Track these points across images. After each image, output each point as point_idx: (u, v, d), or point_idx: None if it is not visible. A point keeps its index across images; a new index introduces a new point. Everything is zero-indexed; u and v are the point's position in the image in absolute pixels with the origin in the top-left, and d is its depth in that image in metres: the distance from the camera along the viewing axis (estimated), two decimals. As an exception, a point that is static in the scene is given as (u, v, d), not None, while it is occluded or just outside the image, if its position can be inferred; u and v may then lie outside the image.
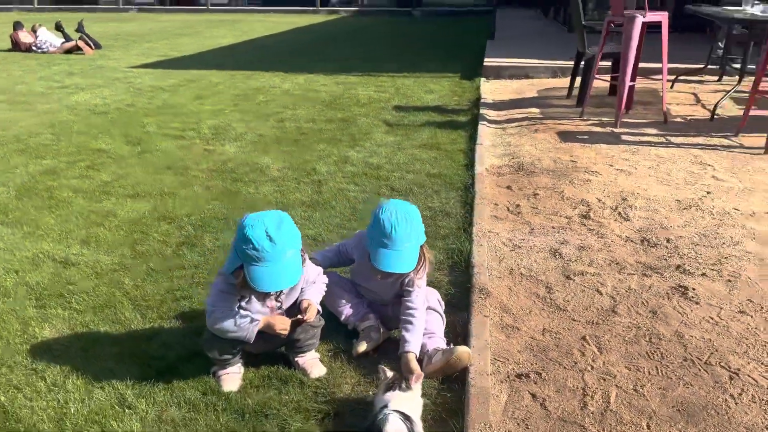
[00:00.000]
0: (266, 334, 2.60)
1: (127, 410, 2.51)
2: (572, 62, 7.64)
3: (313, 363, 2.80)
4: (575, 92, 7.52)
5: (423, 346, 2.74)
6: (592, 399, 2.40)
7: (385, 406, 2.26)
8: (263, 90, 9.09)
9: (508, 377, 2.60)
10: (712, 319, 2.86)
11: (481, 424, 2.29)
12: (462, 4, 24.18)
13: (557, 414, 2.35)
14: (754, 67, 6.48)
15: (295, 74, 10.35)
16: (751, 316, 2.86)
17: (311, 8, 23.65)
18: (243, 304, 2.56)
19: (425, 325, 2.84)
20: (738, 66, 8.16)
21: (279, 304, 2.65)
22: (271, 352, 2.86)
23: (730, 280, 3.17)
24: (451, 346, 2.69)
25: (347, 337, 2.99)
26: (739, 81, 6.95)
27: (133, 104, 8.17)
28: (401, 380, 2.37)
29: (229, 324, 2.49)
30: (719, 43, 8.50)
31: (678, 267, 3.34)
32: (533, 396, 2.46)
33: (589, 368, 2.60)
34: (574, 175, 4.93)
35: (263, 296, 2.58)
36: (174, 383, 2.68)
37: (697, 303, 2.99)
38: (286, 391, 2.63)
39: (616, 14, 6.47)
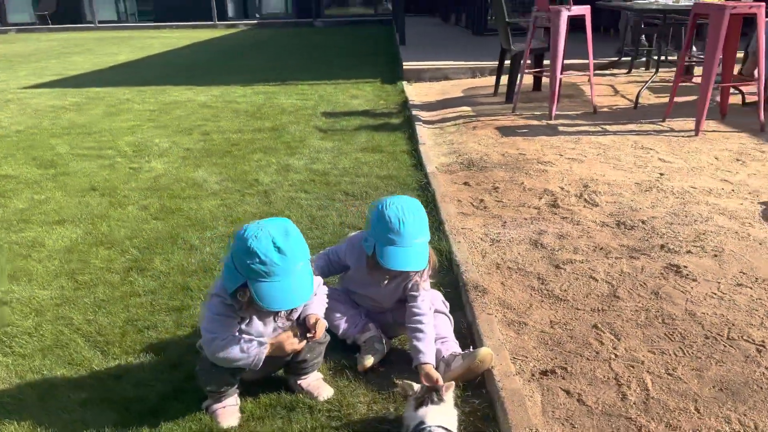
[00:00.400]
0: (271, 357, 2.30)
1: (114, 464, 2.12)
2: (489, 63, 7.73)
3: (318, 384, 2.52)
4: (502, 90, 7.59)
5: (438, 353, 2.53)
6: (629, 389, 2.29)
7: (422, 423, 2.04)
8: (179, 104, 8.57)
9: (534, 375, 2.45)
10: (715, 294, 2.85)
11: (525, 429, 2.11)
12: (362, 13, 24.30)
13: (599, 408, 2.21)
14: (674, 58, 6.80)
15: (208, 87, 9.87)
16: (751, 288, 2.88)
17: (208, 22, 22.91)
18: (243, 326, 2.25)
19: (436, 330, 2.64)
20: (645, 58, 8.59)
21: (289, 323, 2.36)
22: (265, 378, 2.56)
23: (716, 255, 3.19)
24: (470, 350, 2.50)
25: (346, 352, 2.73)
26: (657, 71, 7.26)
27: (35, 126, 7.43)
28: (432, 393, 2.16)
29: (235, 352, 2.18)
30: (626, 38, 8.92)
31: (662, 247, 3.34)
32: (567, 392, 2.32)
33: (612, 357, 2.49)
34: (528, 166, 4.90)
35: (268, 316, 2.28)
36: (162, 426, 2.32)
37: (694, 280, 2.98)
38: (296, 419, 2.34)
39: (541, 10, 6.58)
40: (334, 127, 6.86)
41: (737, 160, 4.72)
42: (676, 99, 6.15)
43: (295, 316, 2.36)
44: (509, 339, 2.69)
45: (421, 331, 2.52)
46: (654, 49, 7.62)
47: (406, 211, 2.44)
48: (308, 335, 2.31)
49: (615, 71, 8.90)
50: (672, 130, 5.72)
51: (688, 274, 3.03)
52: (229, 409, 2.38)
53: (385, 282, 2.64)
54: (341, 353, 2.71)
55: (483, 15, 14.05)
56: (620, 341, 2.58)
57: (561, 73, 6.49)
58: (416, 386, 2.21)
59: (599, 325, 2.71)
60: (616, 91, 7.73)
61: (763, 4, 5.24)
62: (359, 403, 2.42)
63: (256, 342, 2.21)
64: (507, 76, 7.38)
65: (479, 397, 2.38)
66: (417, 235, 2.45)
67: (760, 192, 4.01)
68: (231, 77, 10.79)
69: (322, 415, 2.36)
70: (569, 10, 6.16)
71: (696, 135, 5.49)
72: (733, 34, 5.58)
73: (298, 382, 2.51)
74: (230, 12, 23.96)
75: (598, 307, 2.85)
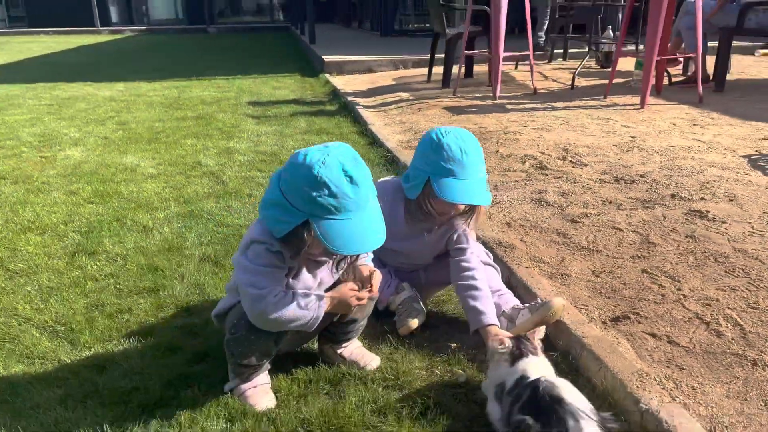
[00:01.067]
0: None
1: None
2: (411, 56, 7.57)
3: (361, 353, 2.11)
4: (436, 77, 7.43)
5: (497, 307, 2.20)
6: (719, 325, 2.08)
7: (525, 377, 1.69)
8: (80, 98, 7.68)
9: (606, 323, 2.17)
10: (753, 232, 2.73)
11: (632, 375, 1.82)
12: (257, 21, 23.64)
13: (697, 348, 1.98)
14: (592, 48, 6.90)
15: (109, 83, 8.98)
16: (782, 224, 2.79)
17: (90, 28, 21.31)
18: (289, 280, 1.80)
19: (488, 283, 2.31)
20: (562, 48, 8.79)
21: (337, 274, 1.92)
22: (289, 353, 2.11)
23: (731, 200, 3.10)
24: (539, 300, 2.18)
25: (380, 318, 2.33)
26: (587, 56, 7.39)
27: None
28: (524, 343, 1.81)
29: (292, 309, 1.71)
30: (540, 33, 9.08)
31: (673, 196, 3.21)
32: (653, 336, 2.07)
33: (682, 297, 2.27)
34: (496, 137, 4.70)
35: (319, 266, 1.85)
36: (180, 416, 1.81)
37: (724, 222, 2.85)
38: (347, 392, 1.91)
39: (478, -10, 6.48)
40: (266, 114, 6.38)
41: (694, 125, 4.77)
42: (604, 82, 6.26)
43: (345, 264, 1.93)
44: (559, 291, 2.40)
45: (476, 288, 2.16)
46: (585, 35, 7.74)
47: (468, 141, 2.09)
48: (368, 287, 1.88)
49: (536, 61, 9.02)
50: (617, 105, 5.76)
51: (714, 217, 2.90)
52: (261, 389, 1.91)
53: (426, 234, 2.27)
54: (374, 319, 2.30)
55: (391, 17, 14.00)
56: (681, 282, 2.37)
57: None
58: (507, 341, 1.86)
59: (649, 270, 2.49)
60: (545, 77, 7.80)
61: (700, -22, 5.41)
62: (416, 369, 2.04)
63: (314, 296, 1.76)
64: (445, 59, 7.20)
65: (554, 351, 2.07)
66: (480, 169, 2.11)
67: (734, 148, 4.03)
68: (132, 75, 9.93)
69: (378, 385, 1.95)
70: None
71: (642, 107, 5.55)
72: (669, 11, 5.72)
73: (339, 351, 2.08)
74: (114, 17, 22.44)
75: (636, 254, 2.64)
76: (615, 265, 2.57)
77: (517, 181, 3.66)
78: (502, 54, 6.24)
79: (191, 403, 1.88)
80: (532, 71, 6.68)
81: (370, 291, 1.88)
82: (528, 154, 4.16)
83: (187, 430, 1.77)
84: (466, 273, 2.20)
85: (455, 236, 2.26)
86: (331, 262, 1.88)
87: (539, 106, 5.90)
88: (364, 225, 1.67)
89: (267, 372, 1.97)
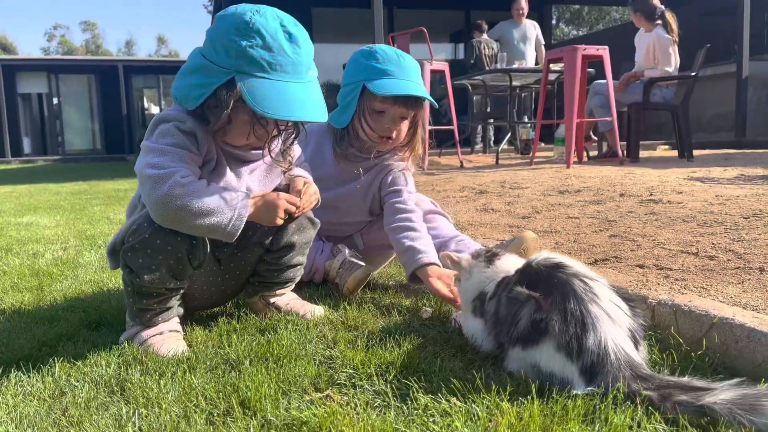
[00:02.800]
0: (242, 237, 1.47)
1: None
2: None
3: (300, 303, 1.70)
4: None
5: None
6: (708, 254, 1.84)
7: (508, 278, 1.36)
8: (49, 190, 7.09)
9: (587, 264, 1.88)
10: (711, 203, 2.59)
11: (630, 283, 1.52)
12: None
13: (693, 268, 1.71)
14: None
15: (12, 185, 8.43)
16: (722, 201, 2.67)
17: (1, 158, 20.56)
18: (205, 175, 1.42)
19: (441, 231, 2.00)
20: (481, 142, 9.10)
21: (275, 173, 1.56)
22: (214, 311, 1.67)
23: (680, 193, 2.99)
24: (506, 240, 1.89)
25: (317, 288, 1.95)
26: (508, 134, 7.62)
27: None
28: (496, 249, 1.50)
29: (207, 196, 1.31)
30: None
31: (622, 195, 3.07)
32: (642, 266, 1.80)
33: (659, 244, 2.05)
34: (431, 181, 4.54)
35: (243, 163, 1.49)
36: (51, 368, 1.33)
37: (680, 203, 2.70)
38: (284, 334, 1.48)
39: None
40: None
41: (628, 174, 4.82)
42: (527, 160, 6.41)
43: (292, 155, 1.57)
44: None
45: (413, 229, 1.86)
46: (505, 119, 8.02)
47: (400, 52, 1.88)
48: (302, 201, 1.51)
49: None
50: (546, 168, 5.81)
51: (669, 201, 2.76)
52: (170, 336, 1.46)
53: (360, 176, 1.97)
54: (313, 290, 1.91)
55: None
56: (655, 237, 2.15)
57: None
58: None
59: (618, 235, 2.26)
60: (470, 161, 7.93)
61: (607, 47, 5.77)
62: (371, 314, 1.64)
63: (235, 192, 1.39)
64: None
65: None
66: (418, 76, 1.87)
67: (667, 177, 4.03)
68: (41, 180, 9.41)
69: (324, 327, 1.53)
70: (431, 63, 6.27)
71: (568, 168, 5.61)
72: (582, 79, 6.02)
73: (272, 301, 1.66)
74: (27, 148, 21.84)
75: (599, 229, 2.42)
76: (579, 237, 2.33)
77: (458, 202, 3.45)
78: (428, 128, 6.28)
79: (72, 356, 1.39)
80: (458, 148, 6.75)
81: (302, 205, 1.52)
82: (465, 186, 3.99)
83: (63, 380, 1.27)
84: (401, 215, 1.89)
85: (390, 178, 1.98)
86: (262, 164, 1.54)
87: (468, 172, 5.87)
88: (301, 93, 1.36)
89: (178, 320, 1.52)
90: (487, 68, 7.59)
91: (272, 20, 1.34)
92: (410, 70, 1.84)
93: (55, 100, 21.70)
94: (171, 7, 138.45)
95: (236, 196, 1.36)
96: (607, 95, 5.95)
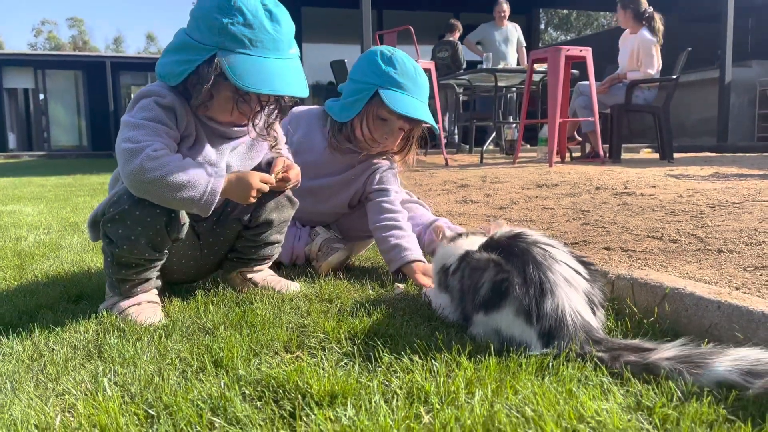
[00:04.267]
0: (221, 213, 1.53)
1: None
2: None
3: (277, 279, 1.75)
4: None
5: (431, 243, 1.94)
6: (671, 237, 1.91)
7: (469, 252, 1.41)
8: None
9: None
10: (681, 196, 2.67)
11: (593, 259, 1.58)
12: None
13: (656, 250, 1.78)
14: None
15: (49, 177, 8.39)
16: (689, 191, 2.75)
17: (-17, 153, 20.36)
18: (184, 149, 1.47)
19: (418, 219, 2.06)
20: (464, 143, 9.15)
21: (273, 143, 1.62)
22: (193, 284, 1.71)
23: (654, 187, 3.07)
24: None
25: (295, 267, 1.99)
26: (493, 133, 7.70)
27: None
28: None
29: (180, 169, 1.34)
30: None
31: (598, 188, 3.15)
32: (607, 249, 1.86)
33: (627, 230, 2.11)
34: (413, 176, 4.60)
35: (223, 140, 1.53)
36: (31, 335, 1.37)
37: (652, 195, 2.78)
38: (259, 306, 1.53)
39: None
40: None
41: (607, 171, 4.90)
42: (505, 160, 6.49)
43: (275, 129, 1.61)
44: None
45: (399, 228, 1.92)
46: (489, 118, 8.11)
47: (418, 66, 1.92)
48: (277, 178, 1.55)
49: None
50: (528, 166, 5.89)
51: (642, 194, 2.84)
52: (148, 306, 1.50)
53: (346, 170, 2.02)
54: (290, 269, 1.96)
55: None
56: (624, 225, 2.22)
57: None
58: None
59: (589, 223, 2.33)
60: (455, 160, 8.00)
61: (590, 48, 5.87)
62: (345, 289, 1.69)
63: (209, 167, 1.43)
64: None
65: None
66: (427, 94, 1.93)
67: (644, 174, 4.12)
68: (25, 173, 9.37)
69: (300, 301, 1.58)
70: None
71: (550, 167, 5.69)
72: (565, 80, 6.11)
73: (249, 276, 1.71)
74: (12, 144, 21.67)
75: (572, 218, 2.49)
76: (552, 225, 2.39)
77: (439, 194, 3.51)
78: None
79: (51, 323, 1.43)
80: (443, 147, 6.81)
81: (284, 183, 1.57)
82: (447, 180, 4.06)
83: (41, 344, 1.31)
84: (389, 215, 1.94)
85: (378, 176, 2.02)
86: (244, 142, 1.58)
87: (451, 170, 5.93)
88: (282, 69, 1.41)
89: (156, 292, 1.56)
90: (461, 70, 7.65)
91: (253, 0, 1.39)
92: (423, 89, 1.90)
93: (41, 96, 21.56)
94: (160, 6, 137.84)
95: (210, 171, 1.40)
96: (590, 96, 6.04)
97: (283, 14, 1.43)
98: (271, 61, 1.39)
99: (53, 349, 1.28)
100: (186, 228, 1.51)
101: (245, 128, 1.54)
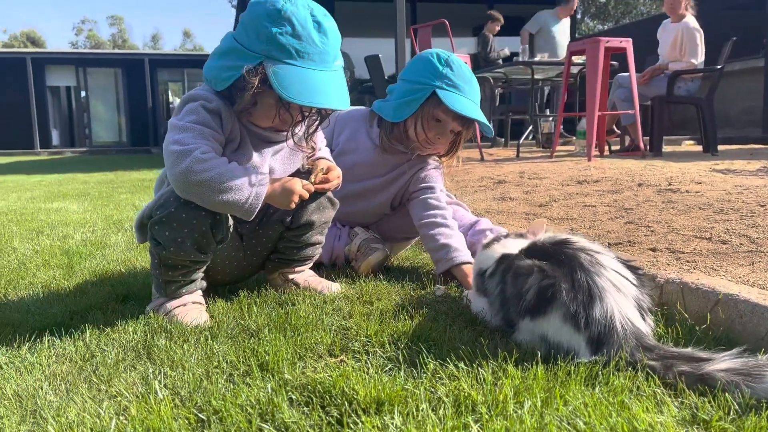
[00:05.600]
0: (264, 215, 1.55)
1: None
2: None
3: (318, 280, 1.76)
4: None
5: (474, 246, 1.93)
6: (721, 238, 1.87)
7: (506, 255, 1.40)
8: (8, 181, 7.29)
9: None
10: (730, 194, 2.59)
11: (640, 261, 1.55)
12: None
13: (705, 251, 1.73)
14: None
15: (42, 175, 8.64)
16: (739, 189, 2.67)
17: (28, 150, 21.00)
18: (229, 153, 1.49)
19: (459, 219, 2.05)
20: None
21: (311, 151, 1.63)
22: (236, 285, 1.73)
23: (699, 183, 2.99)
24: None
25: (335, 267, 2.00)
26: (529, 127, 7.61)
27: None
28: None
29: (226, 172, 1.36)
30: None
31: (640, 185, 3.08)
32: (654, 249, 1.82)
33: (674, 230, 2.06)
34: (453, 174, 4.57)
35: (266, 144, 1.55)
36: (83, 334, 1.40)
37: (698, 192, 2.71)
38: (302, 307, 1.54)
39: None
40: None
41: (649, 166, 4.80)
42: (547, 154, 6.39)
43: (305, 147, 1.62)
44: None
45: (446, 225, 1.92)
46: (526, 112, 8.01)
47: (470, 70, 1.92)
48: (311, 179, 1.56)
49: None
50: (566, 160, 5.80)
51: (687, 191, 2.76)
52: (193, 307, 1.53)
53: (391, 171, 2.02)
54: (330, 269, 1.97)
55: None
56: (670, 224, 2.17)
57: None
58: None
59: (633, 222, 2.28)
60: (490, 154, 7.93)
61: (630, 39, 5.73)
62: (385, 290, 1.69)
63: (254, 171, 1.45)
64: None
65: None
66: (479, 97, 1.92)
67: (687, 169, 4.01)
68: (69, 169, 9.63)
69: (341, 302, 1.59)
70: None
71: (589, 161, 5.59)
72: (604, 72, 5.99)
73: (291, 277, 1.72)
74: (55, 140, 22.28)
75: (615, 216, 2.44)
76: (594, 224, 2.35)
77: (476, 191, 3.48)
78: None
79: (101, 324, 1.47)
80: (479, 142, 6.76)
81: (326, 181, 1.58)
82: (484, 177, 4.02)
83: (93, 344, 1.35)
84: (434, 211, 1.94)
85: (423, 174, 2.02)
86: (286, 146, 1.59)
87: (488, 164, 5.88)
88: (325, 81, 1.41)
89: (201, 293, 1.59)
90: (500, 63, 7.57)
91: (303, 9, 1.40)
92: (477, 91, 1.91)
93: (82, 93, 22.08)
94: (197, 2, 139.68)
95: (255, 175, 1.42)
96: (630, 88, 5.91)
97: (331, 26, 1.44)
98: (316, 73, 1.39)
99: (104, 350, 1.31)
100: (230, 230, 1.53)
101: (287, 133, 1.56)
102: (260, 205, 1.41)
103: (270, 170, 1.57)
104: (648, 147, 6.28)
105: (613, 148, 7.03)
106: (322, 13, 1.43)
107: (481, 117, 1.86)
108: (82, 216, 3.57)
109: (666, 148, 6.76)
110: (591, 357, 1.12)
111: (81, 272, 2.09)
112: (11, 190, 5.88)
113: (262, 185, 1.41)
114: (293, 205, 1.49)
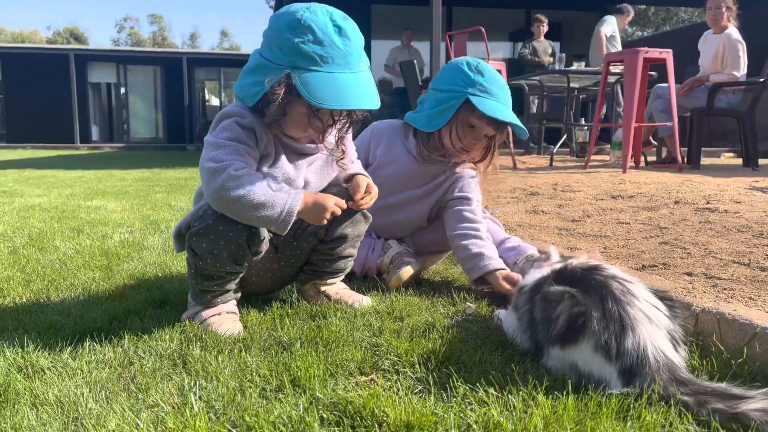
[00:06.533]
0: (298, 228, 1.58)
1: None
2: None
3: (349, 293, 1.78)
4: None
5: (507, 260, 1.94)
6: (761, 264, 1.83)
7: (545, 277, 1.40)
8: (49, 176, 7.49)
9: (633, 270, 1.89)
10: (765, 212, 2.53)
11: (675, 289, 1.53)
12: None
13: (744, 278, 1.71)
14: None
15: (80, 170, 8.85)
16: None
17: (69, 144, 21.53)
18: (265, 168, 1.52)
19: (492, 237, 2.05)
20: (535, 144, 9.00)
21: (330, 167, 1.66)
22: (267, 295, 1.76)
23: (738, 203, 2.93)
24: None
25: (366, 280, 2.02)
26: (563, 137, 7.53)
27: None
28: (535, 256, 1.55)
29: (259, 188, 1.40)
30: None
31: (677, 202, 3.03)
32: (690, 274, 1.79)
33: (710, 253, 2.03)
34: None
35: (299, 156, 1.58)
36: (121, 341, 1.45)
37: (737, 213, 2.66)
38: (333, 320, 1.56)
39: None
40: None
41: (686, 181, 4.72)
42: (581, 163, 6.31)
43: (345, 145, 1.65)
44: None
45: (479, 237, 1.93)
46: (561, 120, 7.94)
47: (501, 76, 1.94)
48: (355, 199, 1.60)
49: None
50: (601, 172, 5.73)
51: (726, 210, 2.71)
52: (227, 317, 1.56)
53: (429, 181, 2.03)
54: (362, 281, 1.98)
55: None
56: (707, 246, 2.13)
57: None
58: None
59: (669, 242, 2.25)
60: (523, 162, 7.88)
61: (671, 50, 5.64)
62: (416, 306, 1.70)
63: (286, 187, 1.47)
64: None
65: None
66: (511, 102, 1.93)
67: (726, 185, 3.94)
68: (107, 165, 9.85)
69: (371, 316, 1.61)
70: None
71: (624, 173, 5.52)
72: (642, 83, 5.90)
73: (323, 289, 1.75)
74: (94, 135, 22.81)
75: (649, 235, 2.41)
76: (628, 243, 2.33)
77: (509, 203, 3.47)
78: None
79: (139, 330, 1.51)
80: (512, 149, 6.71)
81: (358, 201, 1.60)
82: (516, 188, 4.00)
83: (131, 351, 1.39)
84: (469, 224, 1.96)
85: (460, 184, 2.04)
86: (321, 157, 1.62)
87: (520, 173, 5.84)
88: (352, 83, 1.43)
89: (236, 303, 1.62)
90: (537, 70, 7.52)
91: (322, 16, 1.43)
92: (509, 96, 1.93)
93: (122, 90, 22.55)
94: (235, 1, 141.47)
95: (288, 191, 1.45)
96: (669, 99, 5.81)
97: (352, 28, 1.46)
98: (342, 75, 1.42)
99: (141, 357, 1.35)
100: (266, 243, 1.55)
101: (321, 145, 1.58)
102: (293, 220, 1.43)
103: (306, 183, 1.60)
104: (686, 159, 6.16)
105: (649, 159, 6.92)
106: (341, 16, 1.46)
107: (515, 120, 1.87)
108: (120, 215, 3.65)
109: (704, 161, 6.61)
110: (622, 389, 1.12)
111: (119, 274, 2.15)
112: (52, 185, 6.04)
113: (295, 201, 1.44)
114: (325, 221, 1.52)
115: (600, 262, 1.28)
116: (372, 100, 1.44)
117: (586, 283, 1.23)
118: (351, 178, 1.66)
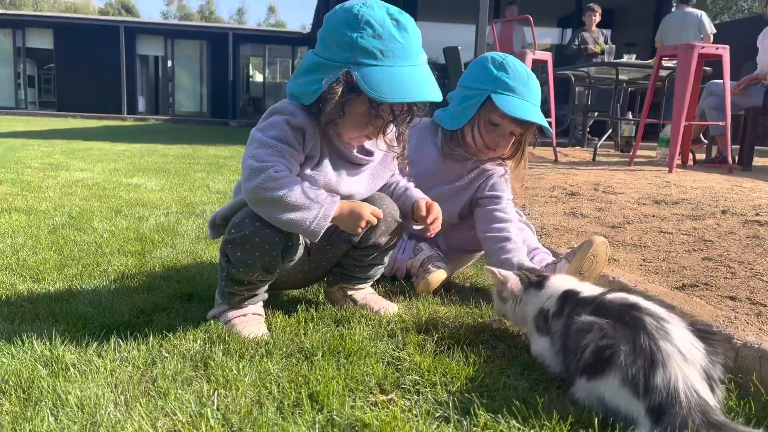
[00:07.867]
0: (332, 233, 1.56)
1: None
2: None
3: (375, 298, 1.75)
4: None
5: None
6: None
7: (569, 293, 1.35)
8: (94, 149, 7.66)
9: (672, 290, 1.82)
10: (823, 231, 2.41)
11: (716, 319, 1.46)
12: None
13: (789, 303, 1.61)
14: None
15: (126, 143, 9.02)
16: None
17: (117, 115, 22.00)
18: (308, 171, 1.48)
19: (526, 241, 2.00)
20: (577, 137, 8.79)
21: (394, 153, 1.64)
22: (292, 293, 1.76)
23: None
24: (579, 244, 1.87)
25: (394, 284, 1.99)
26: (609, 131, 7.34)
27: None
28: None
29: (296, 192, 1.37)
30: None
31: (724, 212, 2.91)
32: (733, 299, 1.72)
33: (757, 274, 1.94)
34: (524, 180, 4.47)
35: (346, 162, 1.55)
36: (146, 337, 1.45)
37: (787, 227, 2.53)
38: (357, 328, 1.54)
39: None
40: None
41: (736, 187, 4.53)
42: (625, 159, 6.13)
43: (401, 146, 1.62)
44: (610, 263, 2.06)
45: (509, 240, 1.88)
46: (607, 113, 7.73)
47: (528, 69, 1.87)
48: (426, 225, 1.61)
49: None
50: (645, 170, 5.56)
51: (774, 224, 2.59)
52: (253, 318, 1.55)
53: (458, 180, 1.99)
54: (389, 286, 1.96)
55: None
56: (753, 265, 2.03)
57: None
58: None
59: (712, 258, 2.16)
60: (565, 155, 7.70)
61: (728, 47, 5.40)
62: (442, 317, 1.67)
63: (324, 194, 1.45)
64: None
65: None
66: (539, 97, 1.87)
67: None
68: (150, 139, 10.02)
69: (396, 326, 1.58)
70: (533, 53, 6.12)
71: (670, 171, 5.33)
72: (696, 79, 5.68)
73: (349, 293, 1.73)
74: (141, 107, 23.25)
75: (692, 249, 2.31)
76: (669, 256, 2.24)
77: (547, 203, 3.38)
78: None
79: (164, 327, 1.52)
80: (554, 141, 6.56)
81: (430, 228, 1.60)
82: (556, 186, 3.91)
83: (155, 350, 1.39)
84: (499, 224, 1.90)
85: (491, 182, 1.99)
86: (365, 170, 1.59)
87: (561, 168, 5.71)
88: (414, 75, 1.39)
89: (262, 304, 1.61)
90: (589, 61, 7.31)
91: (379, 10, 1.39)
92: (535, 92, 1.85)
93: (169, 63, 22.87)
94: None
95: (325, 198, 1.42)
96: (723, 96, 5.57)
97: (409, 21, 1.42)
98: (403, 69, 1.38)
99: (165, 357, 1.35)
100: (300, 252, 1.53)
101: (370, 157, 1.56)
102: (326, 226, 1.41)
103: (351, 194, 1.55)
104: (736, 160, 5.93)
105: (698, 157, 6.69)
106: (397, 10, 1.43)
107: (537, 118, 1.80)
108: (158, 196, 3.70)
109: (756, 161, 6.35)
110: (651, 428, 1.07)
111: (151, 262, 2.17)
112: (97, 158, 6.17)
113: (329, 208, 1.41)
114: (360, 230, 1.49)
115: (639, 300, 1.22)
116: (435, 92, 1.40)
117: (620, 317, 1.17)
118: (425, 203, 1.64)
